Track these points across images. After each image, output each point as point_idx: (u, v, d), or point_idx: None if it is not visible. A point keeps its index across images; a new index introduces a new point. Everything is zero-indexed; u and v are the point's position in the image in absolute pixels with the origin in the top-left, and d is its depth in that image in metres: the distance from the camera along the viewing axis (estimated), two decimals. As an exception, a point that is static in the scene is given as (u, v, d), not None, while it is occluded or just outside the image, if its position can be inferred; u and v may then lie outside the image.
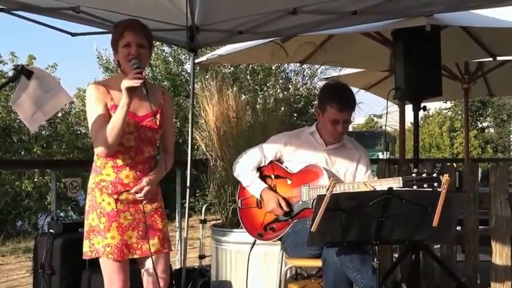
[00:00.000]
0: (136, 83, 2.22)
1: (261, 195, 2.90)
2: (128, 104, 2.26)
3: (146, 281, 2.48)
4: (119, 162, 2.39)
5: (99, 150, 2.34)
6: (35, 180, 11.25)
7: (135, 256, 2.42)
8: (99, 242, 2.36)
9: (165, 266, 2.51)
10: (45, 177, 10.93)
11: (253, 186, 2.93)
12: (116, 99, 2.35)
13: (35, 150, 12.14)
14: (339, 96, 2.83)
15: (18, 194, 11.50)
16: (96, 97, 2.36)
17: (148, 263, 2.45)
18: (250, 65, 12.05)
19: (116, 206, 2.37)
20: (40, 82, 2.28)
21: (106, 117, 2.34)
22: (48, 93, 2.29)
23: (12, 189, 11.39)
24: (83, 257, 2.43)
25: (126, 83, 2.23)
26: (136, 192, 2.39)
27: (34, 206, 11.55)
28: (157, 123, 2.43)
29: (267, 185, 2.91)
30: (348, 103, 2.84)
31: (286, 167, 2.95)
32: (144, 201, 2.42)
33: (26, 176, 11.34)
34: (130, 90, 2.24)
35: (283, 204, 2.82)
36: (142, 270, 2.49)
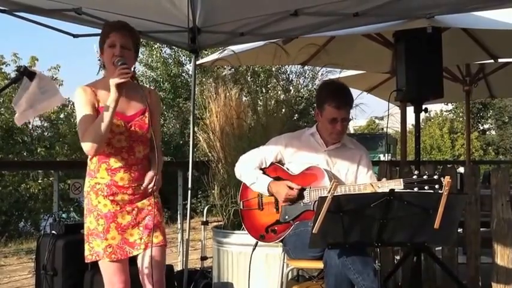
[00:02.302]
0: (124, 77, 2.25)
1: (268, 189, 2.88)
2: (116, 100, 2.27)
3: (145, 273, 2.46)
4: (113, 164, 2.39)
5: (87, 147, 2.33)
6: (40, 181, 11.26)
7: (140, 251, 2.42)
8: (99, 245, 2.37)
9: (163, 257, 2.52)
10: (50, 179, 10.95)
11: (259, 181, 2.91)
12: (103, 101, 2.37)
13: (38, 151, 12.15)
14: (336, 94, 2.83)
15: (22, 195, 11.52)
16: (84, 99, 2.38)
17: (149, 255, 2.43)
18: (251, 67, 12.06)
19: (112, 207, 2.38)
20: (38, 83, 2.29)
21: (94, 118, 2.35)
22: (44, 94, 2.30)
23: (16, 190, 11.40)
24: (85, 261, 2.44)
25: (114, 79, 2.26)
26: (147, 185, 2.41)
27: (40, 208, 11.55)
28: (147, 121, 2.44)
29: (272, 178, 2.90)
30: (345, 100, 2.84)
31: (287, 169, 2.95)
32: (154, 195, 2.44)
33: (31, 177, 11.35)
34: (119, 86, 2.26)
35: (294, 186, 2.80)
36: (141, 262, 2.46)
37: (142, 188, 2.42)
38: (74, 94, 2.43)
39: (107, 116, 2.28)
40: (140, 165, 2.44)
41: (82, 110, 2.37)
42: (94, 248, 2.38)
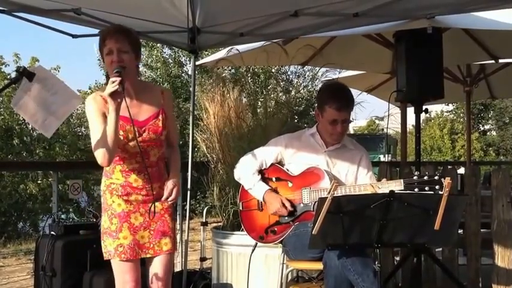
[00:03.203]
0: (113, 87, 2.20)
1: (263, 198, 2.89)
2: (116, 109, 2.24)
3: (153, 279, 2.48)
4: (127, 167, 2.41)
5: (99, 159, 2.32)
6: (39, 182, 11.25)
7: (148, 256, 2.44)
8: (111, 244, 2.39)
9: (171, 265, 2.55)
10: (49, 180, 10.94)
11: (256, 188, 2.92)
12: None
13: (37, 152, 12.13)
14: (337, 96, 2.82)
15: (21, 196, 11.51)
16: (94, 109, 2.36)
17: (158, 262, 2.47)
18: (251, 68, 12.05)
19: (126, 206, 2.40)
20: (44, 84, 2.27)
21: (105, 127, 2.33)
22: (55, 95, 2.27)
23: (15, 191, 11.38)
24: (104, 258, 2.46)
25: (107, 89, 2.23)
26: (167, 198, 2.42)
27: (38, 209, 11.55)
28: (161, 124, 2.44)
29: (269, 187, 2.90)
30: (347, 102, 2.84)
31: (287, 170, 2.94)
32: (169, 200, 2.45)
33: (30, 178, 11.34)
34: (113, 95, 2.22)
35: (287, 204, 2.81)
36: (150, 269, 2.48)
37: (161, 200, 2.44)
38: (85, 103, 2.43)
39: (110, 126, 2.26)
40: (155, 167, 2.46)
41: (93, 120, 2.36)
42: (107, 247, 2.41)
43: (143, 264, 2.50)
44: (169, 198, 2.43)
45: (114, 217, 2.40)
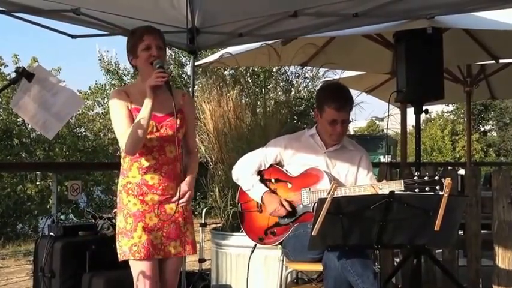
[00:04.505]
0: (159, 81, 2.31)
1: (262, 199, 2.88)
2: (152, 100, 2.33)
3: (162, 281, 2.49)
4: (144, 163, 2.44)
5: (127, 147, 2.38)
6: (37, 183, 11.23)
7: (159, 257, 2.45)
8: (126, 244, 2.40)
9: (179, 268, 2.57)
10: (48, 181, 10.92)
11: (254, 190, 2.92)
12: (136, 103, 2.43)
13: (38, 153, 12.10)
14: (336, 96, 2.81)
15: (19, 197, 11.49)
16: (118, 102, 2.45)
17: (166, 265, 2.50)
18: (251, 68, 12.03)
19: (141, 206, 2.41)
20: (44, 85, 2.26)
21: (130, 119, 2.41)
22: (55, 96, 2.27)
23: (14, 192, 11.37)
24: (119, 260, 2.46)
25: (150, 81, 2.33)
26: (178, 199, 2.43)
27: (36, 209, 11.52)
28: (178, 122, 2.47)
29: (267, 189, 2.89)
30: (346, 102, 2.83)
31: (287, 171, 2.93)
32: (182, 205, 2.47)
33: (28, 179, 11.32)
34: (154, 88, 2.33)
35: (286, 204, 2.80)
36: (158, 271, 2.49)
37: (173, 200, 2.45)
38: (110, 97, 2.53)
39: (144, 116, 2.33)
40: (171, 165, 2.47)
41: (117, 111, 2.44)
42: (122, 247, 2.41)
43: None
44: (181, 201, 2.44)
45: (129, 216, 2.41)
